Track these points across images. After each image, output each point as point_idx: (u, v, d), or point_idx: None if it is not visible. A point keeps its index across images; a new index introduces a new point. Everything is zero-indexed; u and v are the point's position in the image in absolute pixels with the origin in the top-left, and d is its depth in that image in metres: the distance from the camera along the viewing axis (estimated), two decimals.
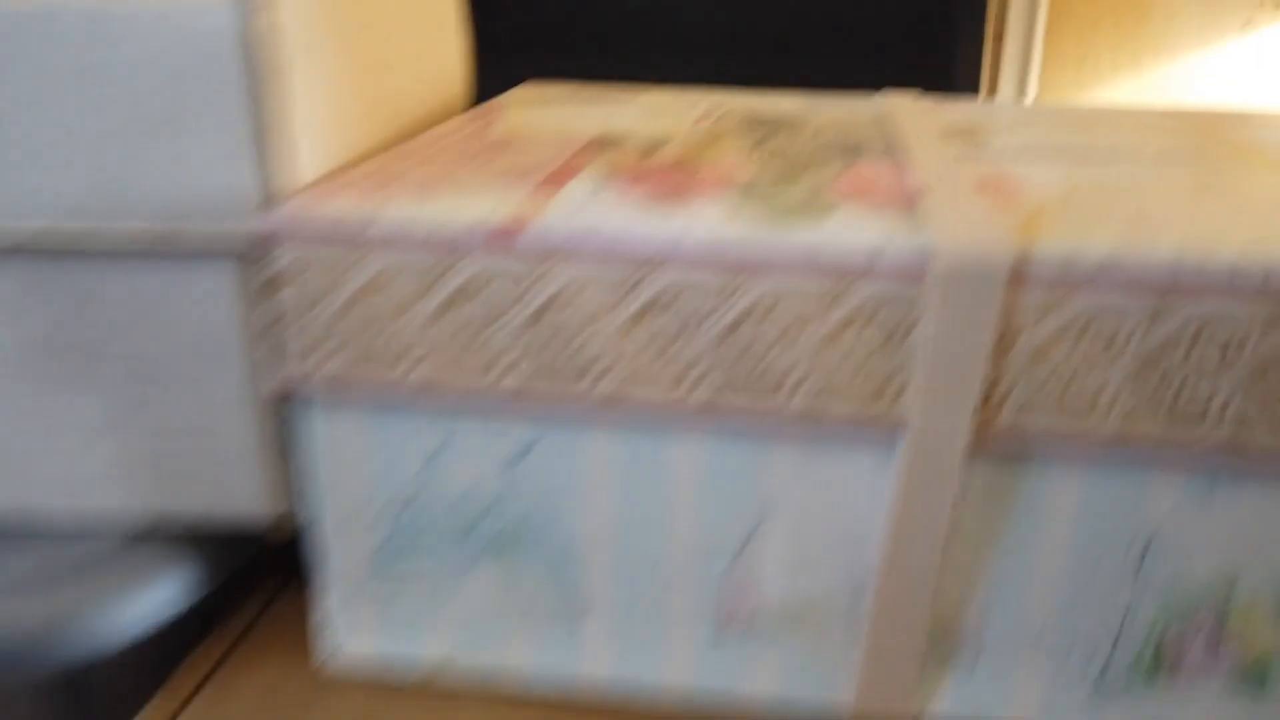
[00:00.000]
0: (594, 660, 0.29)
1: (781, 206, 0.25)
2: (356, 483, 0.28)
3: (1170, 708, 0.26)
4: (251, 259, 0.27)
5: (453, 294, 0.25)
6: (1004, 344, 0.23)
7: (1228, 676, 0.26)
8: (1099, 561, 0.25)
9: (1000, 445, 0.24)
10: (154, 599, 0.30)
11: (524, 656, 0.29)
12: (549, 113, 0.37)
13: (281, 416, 0.29)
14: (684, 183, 0.27)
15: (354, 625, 0.30)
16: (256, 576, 0.35)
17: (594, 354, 0.25)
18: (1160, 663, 0.26)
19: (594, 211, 0.24)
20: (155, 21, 0.25)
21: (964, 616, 0.26)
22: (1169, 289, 0.22)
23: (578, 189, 0.26)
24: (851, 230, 0.23)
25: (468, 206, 0.25)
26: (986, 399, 0.23)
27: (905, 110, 0.37)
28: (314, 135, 0.27)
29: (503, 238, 0.24)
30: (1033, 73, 0.73)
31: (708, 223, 0.24)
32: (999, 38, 0.73)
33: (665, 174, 0.28)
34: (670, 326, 0.24)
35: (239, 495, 0.30)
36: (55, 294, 0.28)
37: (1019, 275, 0.22)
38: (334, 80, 0.29)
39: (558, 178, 0.27)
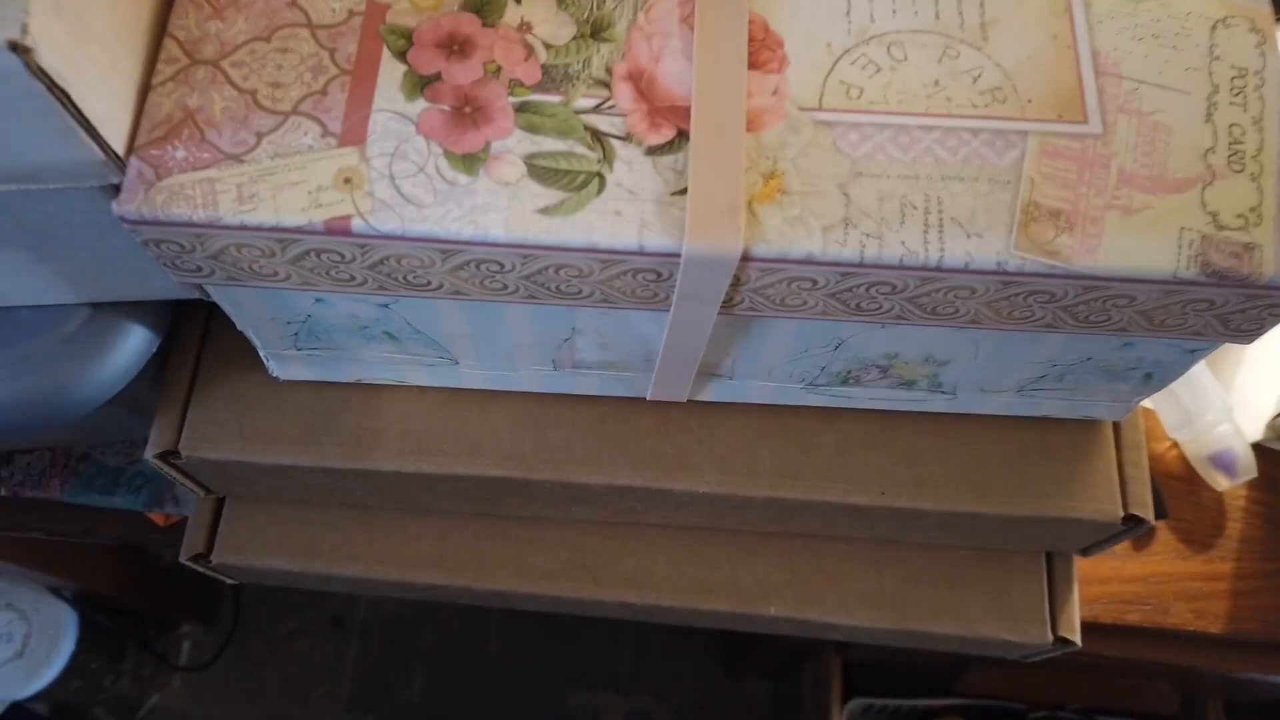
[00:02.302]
0: (470, 379, 0.40)
1: (563, 177, 0.29)
2: (259, 315, 0.36)
3: (855, 392, 0.40)
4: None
5: (299, 254, 0.30)
6: (736, 284, 0.30)
7: (890, 382, 0.39)
8: (807, 349, 0.36)
9: (740, 315, 0.33)
10: (135, 344, 0.39)
11: (419, 379, 0.41)
12: None
13: None
14: (479, 99, 0.30)
15: (284, 368, 0.40)
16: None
17: (425, 280, 0.31)
18: (848, 379, 0.39)
19: (408, 209, 0.29)
20: None
21: (723, 364, 0.38)
22: (853, 270, 0.29)
23: (384, 137, 0.29)
24: (620, 227, 0.29)
25: (292, 200, 0.29)
26: (726, 302, 0.32)
27: None
28: (115, 86, 0.29)
29: (334, 232, 0.29)
30: None
31: (500, 215, 0.29)
32: None
33: (459, 67, 0.30)
34: (481, 273, 0.31)
35: (162, 286, 0.37)
36: None
37: (745, 260, 0.29)
38: (116, 56, 0.28)
39: (360, 93, 0.30)
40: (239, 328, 0.37)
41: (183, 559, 0.46)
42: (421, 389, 0.41)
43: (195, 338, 0.42)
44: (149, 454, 0.40)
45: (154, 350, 0.40)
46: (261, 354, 0.39)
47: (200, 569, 0.47)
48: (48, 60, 0.25)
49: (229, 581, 0.50)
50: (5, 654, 1.08)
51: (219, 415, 0.41)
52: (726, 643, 1.16)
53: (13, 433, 0.40)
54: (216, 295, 0.35)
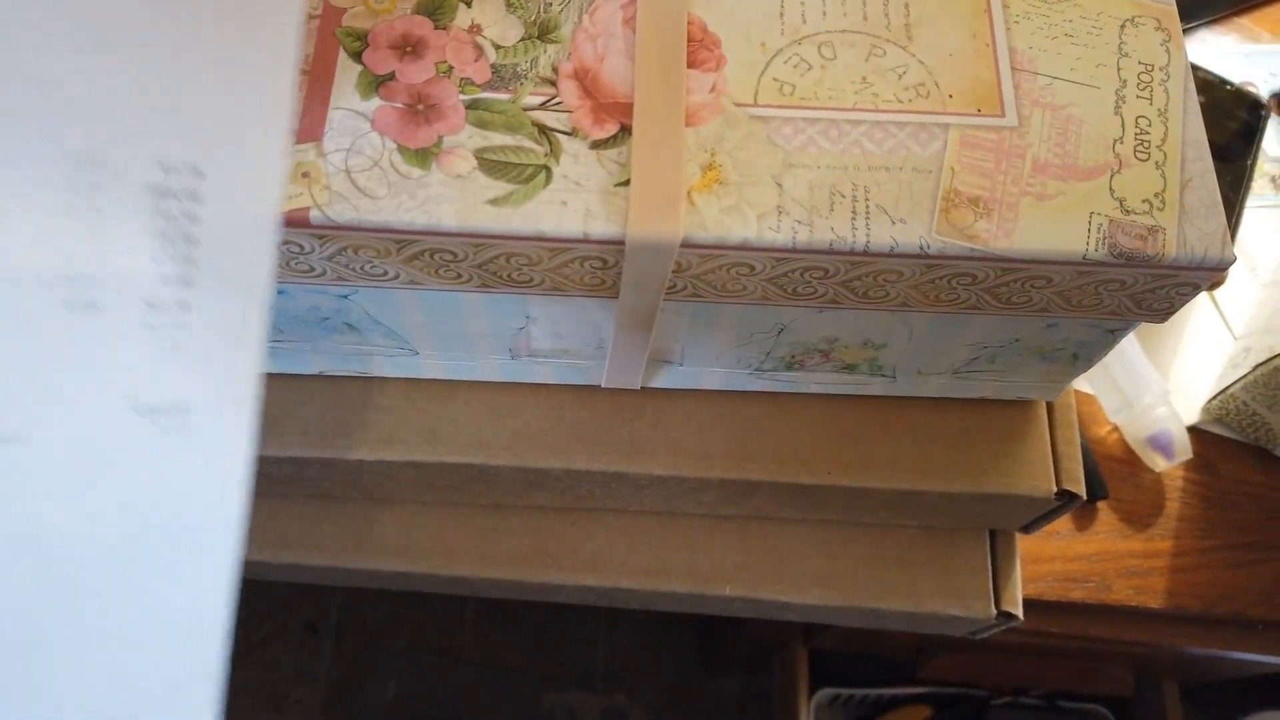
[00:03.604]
0: (430, 369, 0.42)
1: (512, 170, 0.31)
2: None
3: (799, 376, 0.42)
4: None
5: None
6: (678, 269, 0.32)
7: (832, 366, 0.41)
8: (751, 335, 0.38)
9: (684, 301, 0.35)
10: None
11: (381, 370, 0.42)
12: None
13: None
14: (431, 97, 0.31)
15: None
16: None
17: (382, 271, 0.33)
18: (792, 364, 0.40)
19: (364, 202, 0.30)
20: None
21: (673, 351, 0.40)
22: (787, 255, 0.31)
23: (341, 133, 0.31)
24: (567, 217, 0.30)
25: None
26: (671, 288, 0.33)
27: None
28: None
29: (293, 224, 0.30)
30: None
31: (453, 206, 0.30)
32: None
33: (412, 67, 0.32)
34: (435, 262, 0.32)
35: None
36: None
37: (686, 246, 0.31)
38: None
39: (317, 92, 0.31)
40: None
41: None
42: (383, 380, 0.43)
43: None
44: None
45: None
46: None
47: None
48: None
49: None
50: None
51: None
52: (700, 639, 1.18)
53: None
54: None
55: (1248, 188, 0.62)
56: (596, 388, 0.43)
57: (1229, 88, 0.64)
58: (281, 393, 0.42)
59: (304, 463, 0.42)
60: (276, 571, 0.49)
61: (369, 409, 0.42)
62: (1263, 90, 0.67)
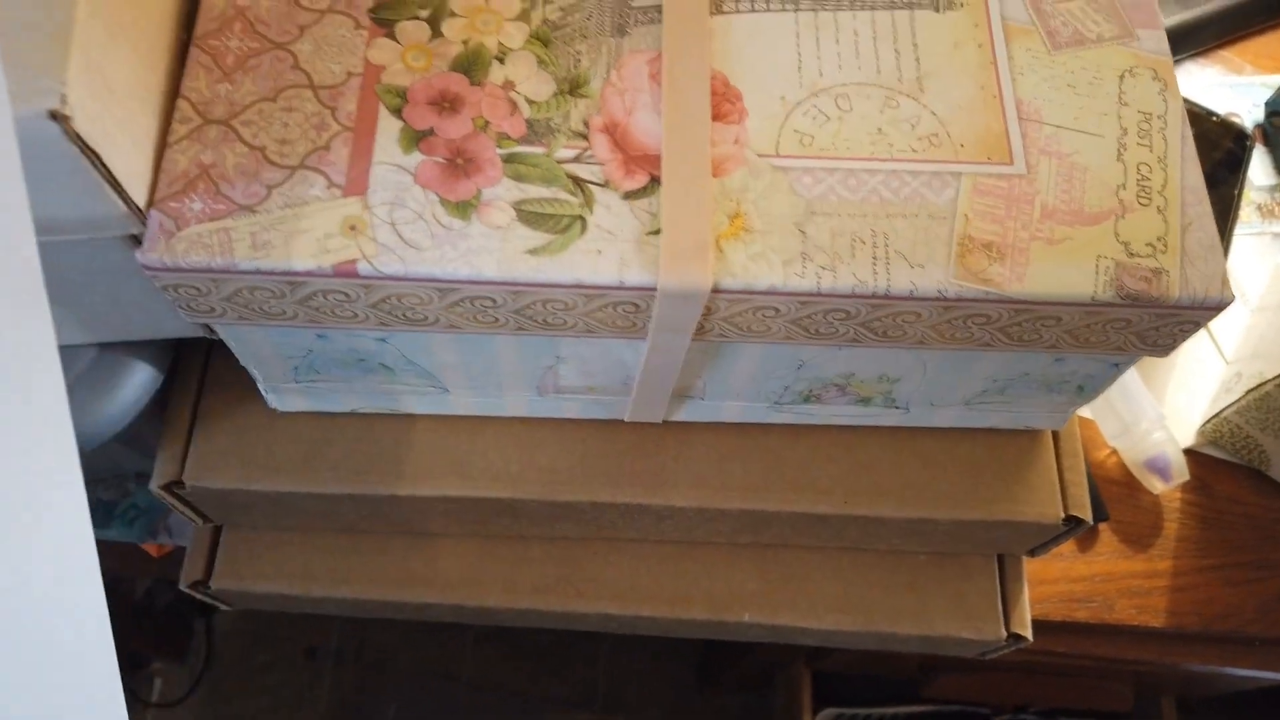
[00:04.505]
0: (459, 406, 0.43)
1: (549, 221, 0.32)
2: (264, 351, 0.38)
3: (816, 409, 0.43)
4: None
5: (307, 295, 0.33)
6: (706, 313, 0.34)
7: (848, 399, 0.42)
8: (772, 371, 0.39)
9: (710, 341, 0.36)
10: (141, 380, 0.42)
11: (412, 407, 0.43)
12: None
13: None
14: (469, 151, 0.33)
15: (283, 400, 0.43)
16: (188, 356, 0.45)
17: (422, 316, 0.34)
18: (810, 398, 0.42)
19: (409, 253, 0.32)
20: None
21: (695, 386, 0.41)
22: (812, 299, 0.33)
23: (384, 187, 0.32)
24: (602, 265, 0.32)
25: (302, 246, 0.31)
26: (698, 329, 0.35)
27: None
28: (136, 145, 0.31)
29: (342, 274, 0.32)
30: None
31: (494, 256, 0.32)
32: None
33: (450, 122, 0.33)
34: (475, 308, 0.34)
35: (173, 326, 0.40)
36: None
37: (716, 292, 0.32)
38: (137, 118, 0.31)
39: (361, 147, 0.33)
40: (242, 362, 0.40)
41: (182, 586, 0.48)
42: (412, 416, 0.44)
43: (195, 373, 0.45)
44: (154, 485, 0.42)
45: (158, 386, 0.42)
46: (261, 387, 0.42)
47: (198, 595, 0.49)
48: (82, 125, 0.28)
49: (224, 607, 0.52)
50: None
51: (221, 446, 0.43)
52: (700, 659, 1.19)
53: None
54: (224, 333, 0.37)
55: (1235, 216, 0.64)
56: (619, 421, 0.44)
57: (1215, 119, 0.67)
58: (314, 431, 0.44)
59: (335, 499, 0.44)
60: (304, 604, 0.50)
61: (399, 445, 0.44)
62: (1247, 121, 0.69)
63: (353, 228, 0.32)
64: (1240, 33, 0.71)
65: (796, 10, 0.36)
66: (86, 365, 0.40)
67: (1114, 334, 0.35)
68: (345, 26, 0.35)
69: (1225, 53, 0.71)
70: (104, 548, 0.56)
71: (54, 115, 0.27)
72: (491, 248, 0.32)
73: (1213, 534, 0.58)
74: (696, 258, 0.32)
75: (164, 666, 1.20)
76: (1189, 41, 0.71)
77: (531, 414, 0.43)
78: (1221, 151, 0.67)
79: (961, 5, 0.37)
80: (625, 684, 1.19)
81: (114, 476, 0.57)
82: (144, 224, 0.32)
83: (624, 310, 0.34)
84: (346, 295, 0.33)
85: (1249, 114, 0.69)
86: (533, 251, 0.32)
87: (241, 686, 1.19)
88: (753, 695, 1.17)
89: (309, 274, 0.32)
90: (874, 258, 0.32)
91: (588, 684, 1.19)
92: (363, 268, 0.32)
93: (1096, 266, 0.33)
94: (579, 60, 0.35)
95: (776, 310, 0.34)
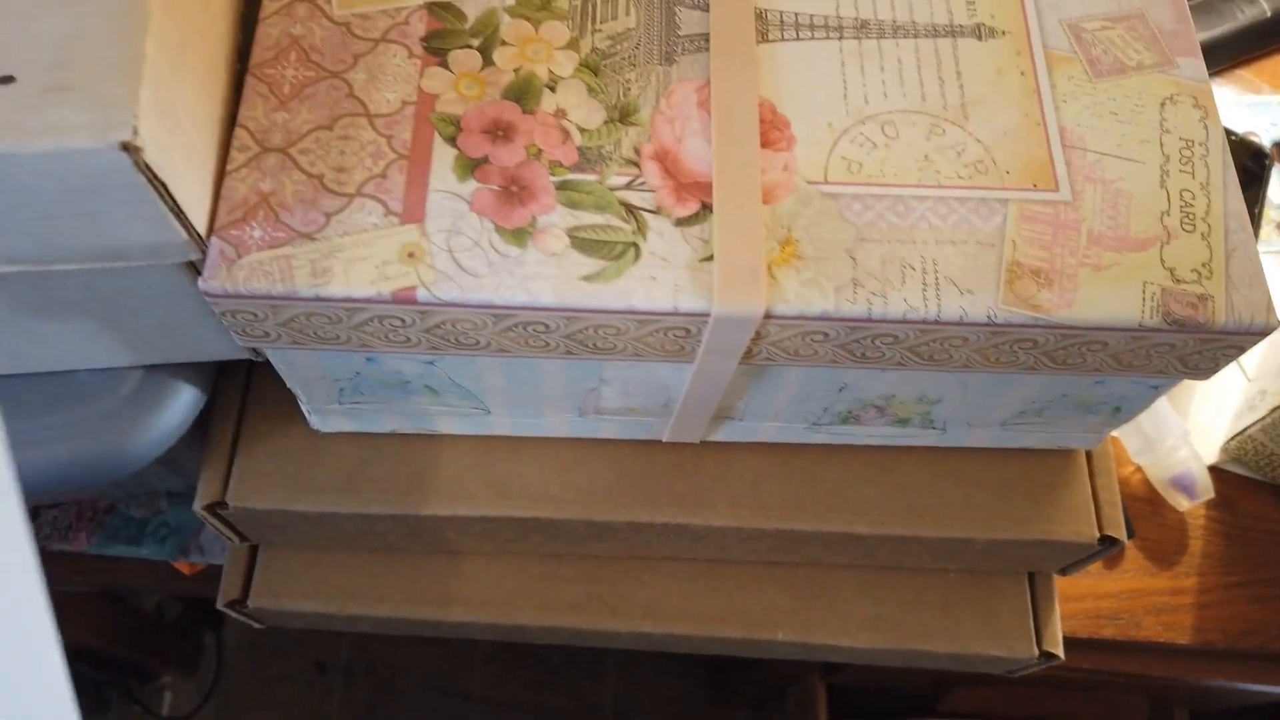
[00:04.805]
0: (499, 427, 0.44)
1: (603, 247, 0.33)
2: (311, 373, 0.39)
3: (854, 430, 0.44)
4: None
5: (363, 321, 0.33)
6: (755, 338, 0.34)
7: (887, 420, 0.43)
8: (813, 393, 0.40)
9: (756, 365, 0.37)
10: (186, 401, 0.42)
11: (452, 428, 0.44)
12: None
13: None
14: (524, 179, 0.33)
15: (325, 421, 0.43)
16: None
17: (474, 340, 0.35)
18: (848, 419, 0.42)
19: (467, 279, 0.32)
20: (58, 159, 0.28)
21: (735, 408, 0.42)
22: (862, 324, 0.33)
23: (441, 214, 0.33)
24: (656, 291, 0.32)
25: (361, 273, 0.32)
26: (746, 353, 0.35)
27: None
28: (198, 174, 0.32)
29: (400, 301, 0.32)
30: None
31: (550, 283, 0.32)
32: None
33: (504, 150, 0.34)
34: (528, 334, 0.34)
35: (220, 348, 0.40)
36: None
37: (769, 318, 0.33)
38: (199, 148, 0.32)
39: (417, 175, 0.33)
40: (288, 384, 0.40)
41: (219, 604, 0.48)
42: (452, 437, 0.44)
43: (237, 394, 0.45)
44: (197, 506, 0.43)
45: (201, 407, 0.43)
46: (304, 408, 0.42)
47: (234, 614, 0.49)
48: (152, 156, 0.28)
49: (256, 625, 0.52)
50: None
51: (263, 468, 0.43)
52: (710, 673, 1.19)
53: (69, 490, 0.42)
54: (273, 356, 0.37)
55: (1255, 234, 0.65)
56: (656, 442, 0.44)
57: (1233, 137, 0.67)
58: (355, 451, 0.44)
59: (375, 519, 0.44)
60: (339, 622, 0.50)
61: (439, 465, 0.44)
62: (1265, 139, 0.70)
63: (411, 255, 0.32)
64: (1257, 52, 0.72)
65: (840, 38, 0.37)
66: (133, 387, 0.41)
67: (1157, 358, 0.35)
68: (399, 55, 0.35)
69: (1243, 72, 0.72)
70: (137, 565, 0.57)
71: (125, 147, 0.28)
72: (547, 274, 0.32)
73: (1237, 551, 0.58)
74: (750, 284, 0.32)
75: (174, 680, 1.19)
76: (1206, 61, 0.72)
77: (570, 434, 0.44)
78: (1240, 170, 0.67)
79: (1003, 33, 0.37)
80: (634, 699, 1.19)
81: (145, 495, 0.57)
82: (204, 251, 0.32)
83: (674, 335, 0.34)
84: (402, 321, 0.33)
85: (1267, 133, 0.70)
86: (588, 278, 0.33)
87: (252, 700, 1.19)
88: (764, 709, 1.17)
89: (368, 300, 0.32)
90: (924, 284, 0.33)
91: (596, 699, 1.19)
92: (421, 295, 0.32)
93: (1143, 292, 0.33)
94: (628, 88, 0.36)
95: (825, 335, 0.34)
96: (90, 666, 1.15)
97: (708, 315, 0.33)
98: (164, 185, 0.29)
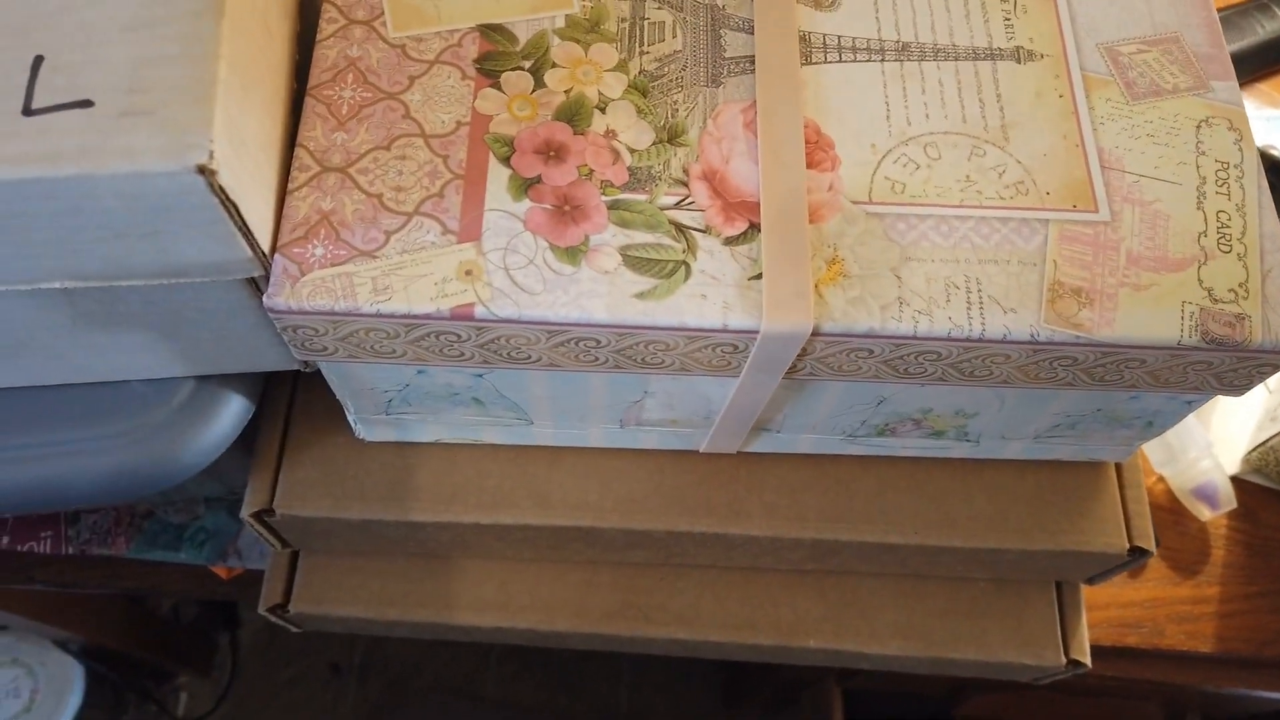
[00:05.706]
0: (541, 437, 0.44)
1: (654, 266, 0.34)
2: (362, 385, 0.40)
3: (890, 441, 0.44)
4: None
5: (420, 336, 0.34)
6: (801, 354, 0.35)
7: (922, 433, 0.43)
8: (851, 406, 0.41)
9: (800, 378, 0.37)
10: (235, 411, 0.43)
11: (494, 438, 0.44)
12: None
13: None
14: (576, 198, 0.34)
15: (371, 431, 0.44)
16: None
17: (526, 355, 0.35)
18: (885, 431, 0.43)
19: (523, 297, 0.33)
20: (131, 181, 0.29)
21: (774, 420, 0.42)
22: (907, 342, 0.34)
23: (497, 233, 0.34)
24: (707, 309, 0.33)
25: (421, 290, 0.33)
26: (790, 369, 0.36)
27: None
28: (263, 194, 0.33)
29: (459, 317, 0.33)
30: None
31: (603, 300, 0.33)
32: None
33: (556, 170, 0.35)
34: (579, 349, 0.35)
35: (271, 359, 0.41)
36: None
37: (816, 335, 0.34)
38: (263, 168, 0.33)
39: (473, 195, 0.34)
40: (337, 395, 0.41)
41: (261, 610, 0.49)
42: (494, 446, 0.45)
43: (283, 403, 0.46)
44: (245, 513, 0.44)
45: (249, 417, 0.43)
46: (351, 418, 0.43)
47: (275, 619, 0.50)
48: (225, 179, 0.29)
49: (294, 630, 0.53)
50: (12, 710, 1.08)
51: (309, 476, 0.44)
52: (724, 677, 1.19)
53: (120, 498, 0.43)
54: (327, 369, 0.38)
55: None
56: (694, 452, 0.45)
57: None
58: (399, 460, 0.45)
59: (420, 526, 0.45)
60: (377, 627, 0.51)
61: (482, 475, 0.45)
62: None
63: (468, 273, 0.33)
64: (1276, 66, 0.72)
65: (883, 61, 0.38)
66: (185, 397, 0.42)
67: (1193, 375, 0.36)
68: (453, 77, 0.36)
69: (1262, 86, 0.73)
70: (174, 569, 0.57)
71: (200, 170, 0.29)
72: (600, 292, 0.33)
73: (1259, 561, 0.59)
74: (798, 302, 0.33)
75: (190, 681, 1.20)
76: None
77: (609, 445, 0.45)
78: None
79: (1042, 57, 0.38)
80: (648, 702, 1.20)
81: (183, 500, 0.58)
82: (266, 268, 0.33)
83: (722, 351, 0.35)
84: (458, 336, 0.34)
85: None
86: (640, 295, 0.33)
87: (266, 701, 1.20)
88: (778, 714, 1.18)
89: (427, 317, 0.33)
90: (968, 303, 0.34)
91: (610, 702, 1.20)
92: (479, 311, 0.33)
93: (1182, 312, 0.34)
94: (676, 110, 0.36)
95: (870, 352, 0.35)
96: (108, 667, 1.16)
97: (757, 332, 0.33)
98: (235, 206, 0.30)
